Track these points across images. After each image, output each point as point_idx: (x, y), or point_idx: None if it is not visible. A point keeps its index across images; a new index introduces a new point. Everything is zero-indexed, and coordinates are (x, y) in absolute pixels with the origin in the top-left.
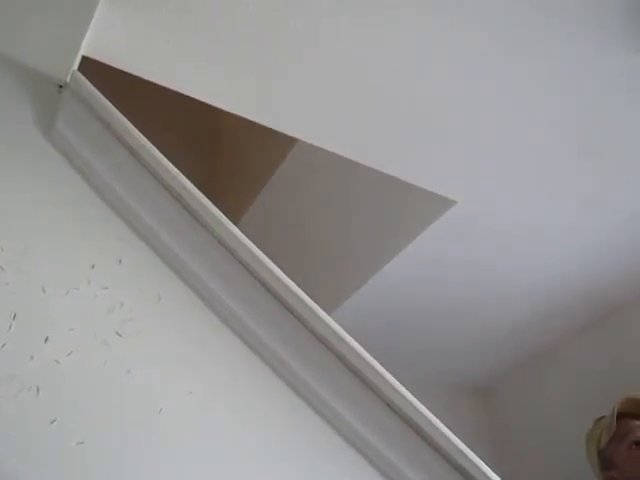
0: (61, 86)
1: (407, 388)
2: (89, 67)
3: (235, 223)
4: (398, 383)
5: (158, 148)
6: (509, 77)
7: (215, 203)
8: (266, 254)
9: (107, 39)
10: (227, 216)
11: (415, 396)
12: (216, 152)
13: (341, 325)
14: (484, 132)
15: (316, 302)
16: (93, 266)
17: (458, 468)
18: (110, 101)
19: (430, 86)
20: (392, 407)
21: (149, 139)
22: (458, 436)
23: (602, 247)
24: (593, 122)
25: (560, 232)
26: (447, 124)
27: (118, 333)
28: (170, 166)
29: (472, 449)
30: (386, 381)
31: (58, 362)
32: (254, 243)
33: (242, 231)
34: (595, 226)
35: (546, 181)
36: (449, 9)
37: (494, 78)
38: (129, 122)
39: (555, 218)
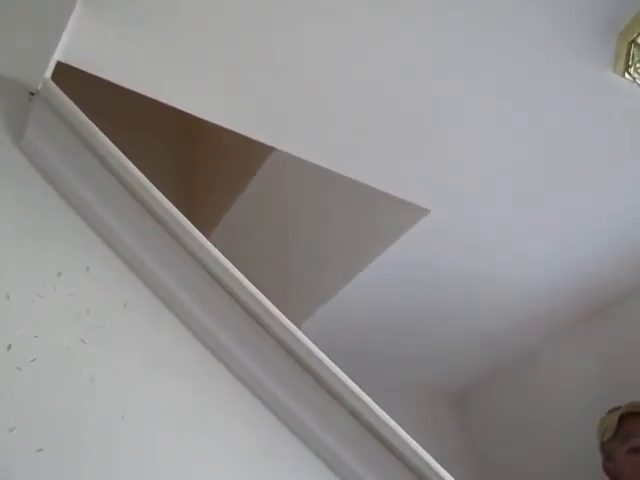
0: (32, 93)
1: (387, 392)
2: (71, 73)
3: (211, 231)
4: (360, 390)
5: (137, 154)
6: (480, 91)
7: (193, 210)
8: (244, 260)
9: (83, 46)
10: (204, 223)
11: (396, 399)
12: (197, 159)
13: (320, 330)
14: (458, 142)
15: (294, 307)
16: (60, 274)
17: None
18: (92, 107)
19: (406, 95)
20: (355, 414)
21: (129, 146)
22: (437, 441)
23: (575, 252)
24: (561, 137)
25: (535, 240)
26: (422, 133)
27: (83, 340)
28: (140, 175)
29: (451, 456)
30: (348, 388)
31: (20, 369)
32: (230, 250)
33: (218, 238)
34: (566, 232)
35: (519, 192)
36: (424, 18)
37: (466, 90)
38: (100, 131)
39: (529, 227)
